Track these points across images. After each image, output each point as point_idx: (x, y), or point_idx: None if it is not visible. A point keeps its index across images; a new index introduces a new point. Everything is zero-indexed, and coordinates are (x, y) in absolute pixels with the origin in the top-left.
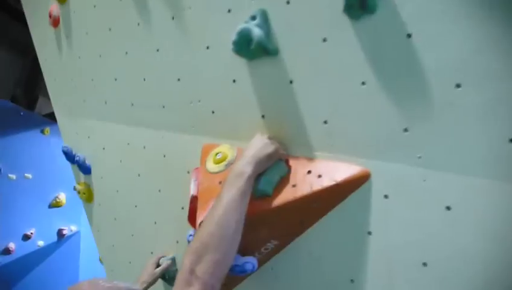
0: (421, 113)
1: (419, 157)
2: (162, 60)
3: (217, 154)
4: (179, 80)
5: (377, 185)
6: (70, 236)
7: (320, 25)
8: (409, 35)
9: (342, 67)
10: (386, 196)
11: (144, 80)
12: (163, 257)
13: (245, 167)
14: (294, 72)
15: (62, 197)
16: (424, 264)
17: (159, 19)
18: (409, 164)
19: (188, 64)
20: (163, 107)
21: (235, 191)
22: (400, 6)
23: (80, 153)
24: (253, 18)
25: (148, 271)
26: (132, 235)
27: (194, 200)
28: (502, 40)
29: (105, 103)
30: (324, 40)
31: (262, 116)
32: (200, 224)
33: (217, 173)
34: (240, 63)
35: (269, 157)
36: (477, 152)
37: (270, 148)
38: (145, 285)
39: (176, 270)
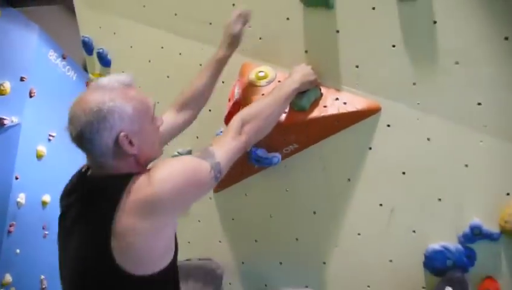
0: (427, 75)
1: (418, 103)
2: None
3: (259, 72)
4: (233, 4)
5: (384, 117)
6: (10, 127)
7: None
8: (435, 22)
9: (381, 31)
10: (388, 125)
11: None
12: (180, 149)
13: (294, 83)
14: (342, 25)
15: (7, 85)
16: (403, 173)
17: None
18: (410, 106)
19: None
20: (210, 24)
21: (283, 94)
22: None
23: (100, 46)
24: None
25: None
26: None
27: (236, 104)
28: (495, 35)
29: (144, 6)
30: (373, 8)
31: (306, 52)
32: None
33: (258, 86)
34: (297, 6)
35: (311, 83)
36: (457, 107)
37: (313, 76)
38: None
39: None
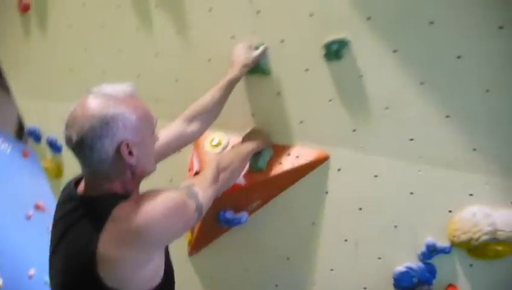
0: (364, 121)
1: (361, 146)
2: (161, 63)
3: (213, 140)
4: (176, 80)
5: (333, 163)
6: None
7: (305, 60)
8: (361, 76)
9: (317, 88)
10: (339, 169)
11: (138, 76)
12: None
13: (249, 145)
14: (281, 88)
15: None
16: (360, 209)
17: (162, 29)
18: (354, 150)
19: (187, 70)
20: (157, 100)
21: (244, 153)
22: (358, 56)
23: (48, 134)
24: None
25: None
26: None
27: (197, 175)
28: (413, 81)
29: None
30: (306, 70)
31: (253, 115)
32: None
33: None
34: None
35: (265, 143)
36: (394, 144)
37: (264, 137)
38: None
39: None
